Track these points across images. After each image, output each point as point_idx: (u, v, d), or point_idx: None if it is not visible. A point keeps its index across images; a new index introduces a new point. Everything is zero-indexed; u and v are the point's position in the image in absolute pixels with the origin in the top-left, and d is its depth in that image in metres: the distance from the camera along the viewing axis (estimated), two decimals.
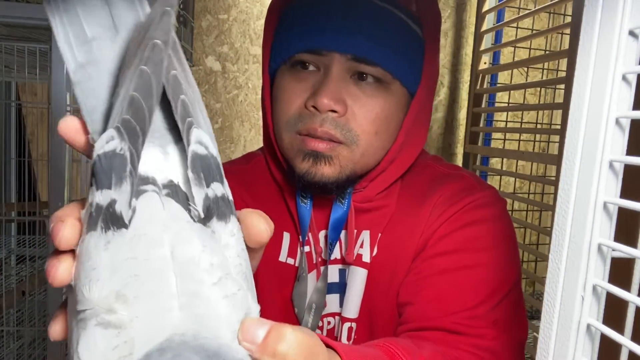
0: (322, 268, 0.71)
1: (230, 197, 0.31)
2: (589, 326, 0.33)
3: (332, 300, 0.71)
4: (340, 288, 0.71)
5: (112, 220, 0.27)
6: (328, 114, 0.64)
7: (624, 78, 0.32)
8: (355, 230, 0.70)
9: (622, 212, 0.32)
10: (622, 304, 0.33)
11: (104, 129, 0.29)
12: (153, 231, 0.27)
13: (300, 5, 0.69)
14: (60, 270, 0.28)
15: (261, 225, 0.32)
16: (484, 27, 1.90)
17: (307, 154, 0.66)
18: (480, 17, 1.93)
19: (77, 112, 1.14)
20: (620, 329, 0.33)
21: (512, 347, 0.63)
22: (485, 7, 1.89)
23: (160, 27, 0.29)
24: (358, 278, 0.68)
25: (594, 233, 0.32)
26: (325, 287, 0.70)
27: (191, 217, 0.29)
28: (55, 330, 0.31)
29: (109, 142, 0.28)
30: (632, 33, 0.31)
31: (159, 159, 0.30)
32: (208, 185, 0.30)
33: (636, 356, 0.30)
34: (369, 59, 0.65)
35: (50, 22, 0.33)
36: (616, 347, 0.32)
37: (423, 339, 0.59)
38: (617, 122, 0.32)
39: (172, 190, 0.29)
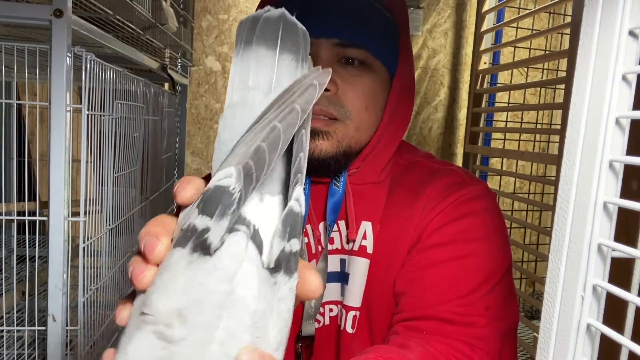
0: (322, 253, 0.73)
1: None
2: (589, 326, 0.33)
3: (333, 288, 0.74)
4: (340, 277, 0.74)
5: (202, 245, 0.30)
6: (321, 93, 0.68)
7: (624, 78, 0.32)
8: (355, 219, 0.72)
9: (622, 212, 0.32)
10: (622, 304, 0.33)
11: (225, 163, 0.33)
12: (229, 267, 0.30)
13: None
14: (148, 278, 0.31)
15: (317, 282, 0.34)
16: (484, 27, 1.90)
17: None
18: (480, 17, 1.93)
19: (76, 112, 1.14)
20: (620, 329, 0.33)
21: (503, 333, 0.66)
22: (485, 7, 1.89)
23: (304, 97, 0.35)
24: (361, 267, 0.71)
25: (594, 233, 0.32)
26: (325, 269, 0.72)
27: (262, 262, 0.32)
28: (123, 317, 0.33)
29: (226, 178, 0.32)
30: (632, 33, 0.31)
31: (256, 204, 0.34)
32: (289, 240, 0.33)
33: (636, 356, 0.30)
34: (354, 42, 0.70)
35: (233, 63, 0.38)
36: (616, 347, 0.32)
37: (417, 330, 0.62)
38: (617, 122, 0.32)
39: (255, 235, 0.33)
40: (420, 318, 0.64)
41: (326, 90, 0.66)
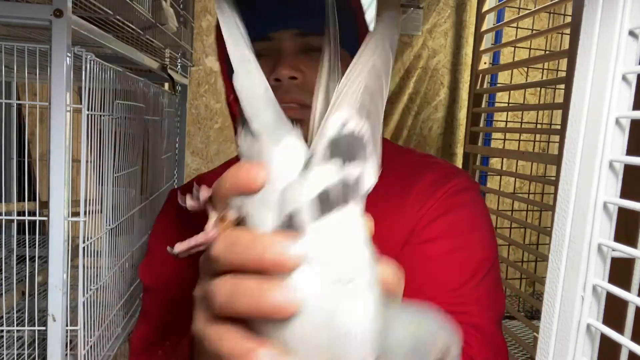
0: None
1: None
2: (589, 326, 0.33)
3: None
4: None
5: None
6: (290, 82, 0.68)
7: (624, 78, 0.32)
8: None
9: (622, 212, 0.32)
10: (622, 304, 0.33)
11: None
12: None
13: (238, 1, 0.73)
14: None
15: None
16: (484, 27, 1.90)
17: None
18: (480, 17, 1.93)
19: (76, 112, 1.14)
20: (620, 329, 0.33)
21: (495, 322, 0.68)
22: (485, 7, 1.89)
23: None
24: None
25: (594, 233, 0.32)
26: None
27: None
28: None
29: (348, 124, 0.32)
30: (632, 33, 0.31)
31: None
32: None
33: (636, 356, 0.30)
34: (315, 30, 0.69)
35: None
36: (616, 347, 0.32)
37: None
38: (617, 122, 0.32)
39: None
40: None
41: (293, 78, 0.68)
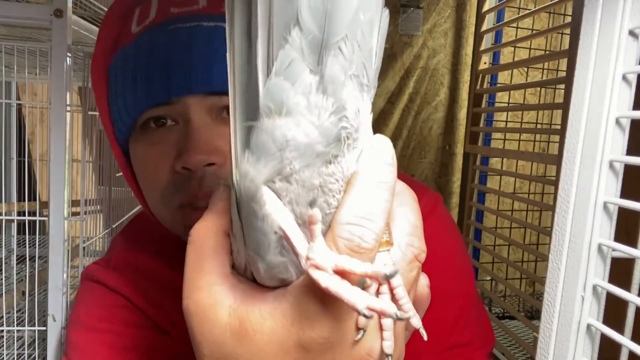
0: None
1: None
2: (589, 326, 0.33)
3: None
4: None
5: None
6: (205, 170, 0.52)
7: (624, 78, 0.32)
8: None
9: (622, 212, 0.32)
10: (622, 304, 0.33)
11: None
12: None
13: (125, 55, 0.57)
14: None
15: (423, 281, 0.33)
16: (484, 27, 1.90)
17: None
18: (480, 17, 1.93)
19: (76, 112, 1.14)
20: (620, 329, 0.33)
21: (489, 357, 0.63)
22: (485, 7, 1.89)
23: None
24: None
25: (594, 233, 0.32)
26: None
27: None
28: None
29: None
30: (632, 33, 0.31)
31: None
32: None
33: (636, 356, 0.30)
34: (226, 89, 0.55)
35: None
36: (616, 347, 0.32)
37: None
38: (617, 122, 0.32)
39: None
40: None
41: (211, 164, 0.52)
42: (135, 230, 0.72)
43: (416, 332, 0.63)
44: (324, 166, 0.27)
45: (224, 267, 0.31)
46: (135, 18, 0.59)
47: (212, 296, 0.29)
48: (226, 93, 0.44)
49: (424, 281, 0.33)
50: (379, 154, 0.29)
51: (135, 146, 0.57)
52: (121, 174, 1.38)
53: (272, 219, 0.27)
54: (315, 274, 0.25)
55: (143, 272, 0.64)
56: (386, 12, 0.27)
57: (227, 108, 0.54)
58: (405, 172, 0.81)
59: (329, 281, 0.25)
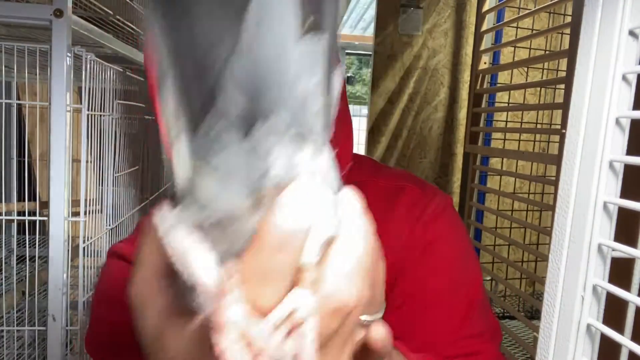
0: None
1: None
2: (589, 326, 0.33)
3: None
4: None
5: None
6: None
7: (624, 78, 0.32)
8: None
9: (622, 212, 0.32)
10: (622, 304, 0.33)
11: None
12: None
13: None
14: None
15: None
16: (484, 27, 1.90)
17: None
18: (480, 17, 1.93)
19: (76, 112, 1.14)
20: (620, 329, 0.33)
21: (499, 354, 0.65)
22: (485, 7, 1.89)
23: None
24: None
25: (594, 233, 0.32)
26: None
27: None
28: None
29: None
30: (632, 33, 0.31)
31: None
32: None
33: (636, 356, 0.30)
34: None
35: None
36: (616, 347, 0.32)
37: None
38: (617, 122, 0.32)
39: None
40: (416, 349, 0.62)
41: None
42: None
43: (431, 326, 0.62)
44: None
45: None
46: None
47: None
48: None
49: (377, 334, 0.30)
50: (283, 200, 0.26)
51: None
52: (121, 174, 1.38)
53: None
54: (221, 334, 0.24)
55: None
56: (339, 70, 0.26)
57: None
58: None
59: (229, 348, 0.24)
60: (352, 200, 0.29)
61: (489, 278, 2.25)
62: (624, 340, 0.30)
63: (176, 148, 0.26)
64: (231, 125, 0.24)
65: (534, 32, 1.99)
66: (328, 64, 0.25)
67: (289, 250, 0.26)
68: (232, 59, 0.23)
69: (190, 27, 0.23)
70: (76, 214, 1.09)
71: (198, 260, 0.26)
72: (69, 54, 0.99)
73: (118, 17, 1.24)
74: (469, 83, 2.24)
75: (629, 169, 0.32)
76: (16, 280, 1.45)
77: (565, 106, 1.26)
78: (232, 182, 0.25)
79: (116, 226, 1.31)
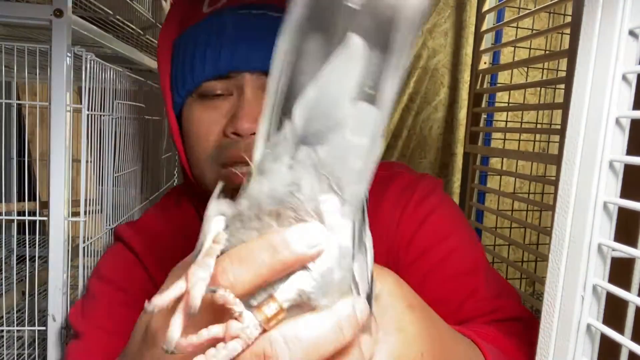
0: None
1: None
2: (589, 326, 0.33)
3: None
4: None
5: None
6: (251, 138, 0.60)
7: (624, 78, 0.32)
8: None
9: (622, 212, 0.32)
10: (622, 304, 0.33)
11: None
12: None
13: (196, 31, 0.66)
14: None
15: None
16: (484, 27, 1.90)
17: (236, 189, 0.62)
18: (480, 17, 1.93)
19: (76, 112, 1.14)
20: (620, 329, 0.33)
21: (521, 303, 0.67)
22: (485, 7, 1.89)
23: None
24: None
25: (594, 233, 0.32)
26: None
27: None
28: None
29: None
30: (632, 33, 0.31)
31: None
32: None
33: (636, 356, 0.30)
34: None
35: None
36: (616, 347, 0.32)
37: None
38: (617, 122, 0.32)
39: None
40: None
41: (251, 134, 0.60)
42: (165, 201, 0.80)
43: (441, 294, 0.64)
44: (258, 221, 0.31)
45: None
46: (206, 1, 0.68)
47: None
48: None
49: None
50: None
51: (192, 109, 0.65)
52: (121, 174, 1.38)
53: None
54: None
55: (159, 236, 0.71)
56: (380, 144, 0.30)
57: None
58: None
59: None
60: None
61: None
62: (624, 340, 0.30)
63: (255, 146, 0.31)
64: (287, 145, 0.29)
65: (534, 32, 1.98)
66: (373, 135, 0.29)
67: (275, 258, 0.29)
68: (304, 93, 0.28)
69: (300, 55, 0.28)
70: (76, 214, 1.09)
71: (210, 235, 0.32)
72: (69, 54, 0.99)
73: (118, 17, 1.24)
74: (469, 83, 2.24)
75: (629, 169, 0.32)
76: (16, 280, 1.45)
77: (565, 106, 1.26)
78: (269, 189, 0.30)
79: (116, 226, 1.31)
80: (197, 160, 0.65)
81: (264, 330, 0.28)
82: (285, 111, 0.29)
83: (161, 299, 0.29)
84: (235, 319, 0.28)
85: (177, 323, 0.28)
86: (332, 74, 0.28)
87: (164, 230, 0.72)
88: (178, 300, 0.29)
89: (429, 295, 0.64)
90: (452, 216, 0.71)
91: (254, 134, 0.60)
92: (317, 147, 0.29)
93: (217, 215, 0.33)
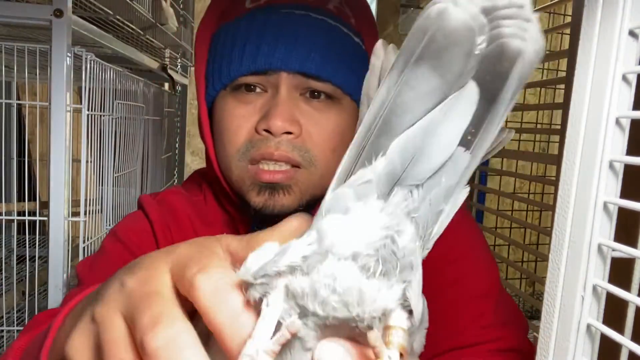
0: None
1: None
2: (589, 326, 0.33)
3: None
4: None
5: None
6: (283, 137, 0.61)
7: (624, 78, 0.32)
8: None
9: (622, 212, 0.32)
10: (622, 304, 0.33)
11: None
12: None
13: (236, 25, 0.66)
14: None
15: None
16: None
17: (263, 186, 0.62)
18: None
19: (76, 112, 1.14)
20: (620, 329, 0.33)
21: (526, 337, 0.64)
22: None
23: None
24: None
25: (594, 233, 0.32)
26: None
27: None
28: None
29: None
30: (632, 33, 0.31)
31: None
32: None
33: (636, 356, 0.30)
34: (320, 75, 0.62)
35: None
36: (616, 347, 0.32)
37: None
38: (617, 122, 0.32)
39: None
40: (439, 354, 0.60)
41: (288, 133, 0.60)
42: (189, 184, 0.79)
43: (448, 315, 0.61)
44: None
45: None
46: None
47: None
48: (315, 77, 0.62)
49: None
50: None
51: (225, 102, 0.65)
52: (121, 174, 1.38)
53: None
54: None
55: (177, 213, 0.71)
56: (466, 190, 0.29)
57: (312, 90, 0.63)
58: None
59: None
60: None
61: None
62: (624, 340, 0.30)
63: (335, 177, 0.29)
64: (377, 184, 0.27)
65: None
66: (461, 180, 0.28)
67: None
68: (407, 131, 0.27)
69: (404, 90, 0.27)
70: (76, 214, 1.09)
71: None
72: (69, 54, 0.99)
73: (118, 17, 1.24)
74: None
75: (629, 169, 0.32)
76: (16, 280, 1.45)
77: (565, 106, 1.26)
78: (357, 232, 0.27)
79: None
80: (225, 155, 0.65)
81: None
82: (377, 148, 0.28)
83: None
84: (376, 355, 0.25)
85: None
86: (444, 117, 0.27)
87: (184, 209, 0.71)
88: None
89: (433, 313, 0.62)
90: (471, 236, 0.68)
91: (286, 132, 0.60)
92: (413, 190, 0.27)
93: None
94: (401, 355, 0.25)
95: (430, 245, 0.29)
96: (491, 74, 0.27)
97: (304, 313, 0.26)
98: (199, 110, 0.70)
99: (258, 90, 0.64)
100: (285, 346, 0.26)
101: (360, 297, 0.25)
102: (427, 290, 0.64)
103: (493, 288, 0.65)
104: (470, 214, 0.71)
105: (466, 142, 0.28)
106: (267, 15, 0.64)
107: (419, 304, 0.27)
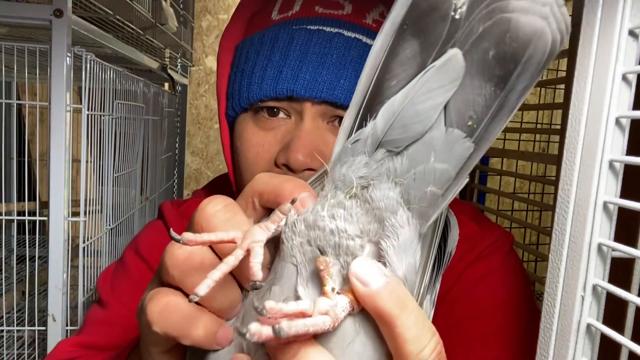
0: None
1: None
2: (589, 326, 0.33)
3: None
4: None
5: None
6: (304, 174, 0.54)
7: (624, 78, 0.32)
8: None
9: (622, 212, 0.32)
10: (622, 304, 0.33)
11: None
12: None
13: (259, 42, 0.59)
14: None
15: None
16: None
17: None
18: None
19: (76, 112, 1.14)
20: (620, 329, 0.33)
21: None
22: None
23: None
24: None
25: (594, 233, 0.32)
26: None
27: None
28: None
29: None
30: (632, 33, 0.31)
31: None
32: None
33: (636, 356, 0.30)
34: (346, 103, 0.55)
35: None
36: (616, 347, 0.32)
37: None
38: (617, 122, 0.32)
39: None
40: None
41: (310, 169, 0.54)
42: (216, 187, 0.75)
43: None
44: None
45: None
46: (277, 5, 0.61)
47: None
48: (345, 107, 0.49)
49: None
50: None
51: (245, 126, 0.59)
52: (121, 174, 1.38)
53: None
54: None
55: None
56: (464, 178, 0.29)
57: (340, 118, 0.56)
58: None
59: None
60: None
61: None
62: (624, 340, 0.30)
63: (337, 138, 0.31)
64: (366, 143, 0.29)
65: None
66: (458, 167, 0.28)
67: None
68: (392, 97, 0.28)
69: (394, 57, 0.28)
70: (76, 214, 1.09)
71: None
72: (69, 54, 0.99)
73: (118, 17, 1.24)
74: None
75: (629, 169, 0.32)
76: (16, 280, 1.45)
77: (565, 106, 1.26)
78: (342, 174, 0.30)
79: (116, 226, 1.31)
80: (242, 181, 0.60)
81: (349, 313, 0.27)
82: (371, 110, 0.29)
83: (201, 237, 0.29)
84: (324, 294, 0.27)
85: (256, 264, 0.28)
86: (423, 86, 0.27)
87: None
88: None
89: (449, 349, 0.58)
90: (508, 286, 0.61)
91: (307, 169, 0.54)
92: (394, 155, 0.28)
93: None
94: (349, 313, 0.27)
95: (428, 223, 0.29)
96: (493, 53, 0.26)
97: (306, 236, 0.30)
98: (220, 126, 0.65)
99: (281, 115, 0.57)
100: (278, 281, 0.30)
101: (338, 237, 0.29)
102: (455, 339, 0.56)
103: (521, 338, 0.58)
104: (514, 256, 0.64)
105: (467, 127, 0.27)
106: (293, 32, 0.57)
107: (401, 263, 0.29)
